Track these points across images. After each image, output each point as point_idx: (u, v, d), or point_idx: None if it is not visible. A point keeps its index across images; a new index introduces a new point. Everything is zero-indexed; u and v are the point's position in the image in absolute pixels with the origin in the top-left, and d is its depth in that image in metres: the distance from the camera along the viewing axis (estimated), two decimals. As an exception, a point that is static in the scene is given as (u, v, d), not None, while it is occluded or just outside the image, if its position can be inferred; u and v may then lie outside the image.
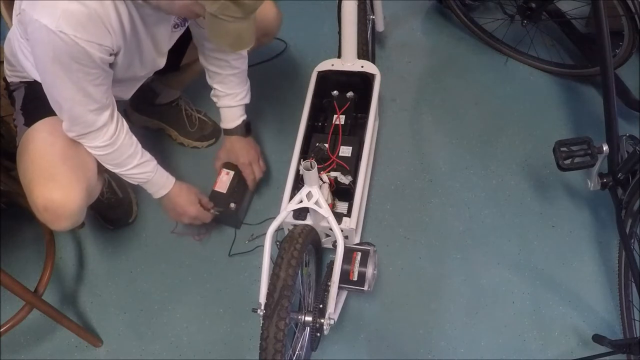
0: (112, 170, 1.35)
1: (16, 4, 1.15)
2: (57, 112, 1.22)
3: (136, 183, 1.41)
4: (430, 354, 1.47)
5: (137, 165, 1.35)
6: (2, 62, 1.36)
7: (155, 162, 1.41)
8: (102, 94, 1.19)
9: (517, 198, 1.71)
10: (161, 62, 1.35)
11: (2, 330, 1.33)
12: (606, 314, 1.50)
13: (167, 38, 1.31)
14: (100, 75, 1.15)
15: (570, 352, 1.45)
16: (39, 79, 1.27)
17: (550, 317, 1.50)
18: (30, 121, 1.27)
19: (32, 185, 1.20)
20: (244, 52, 1.48)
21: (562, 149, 1.42)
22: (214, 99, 1.56)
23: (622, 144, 1.43)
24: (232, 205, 1.58)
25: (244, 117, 1.58)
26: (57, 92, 1.16)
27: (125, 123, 1.31)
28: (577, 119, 1.86)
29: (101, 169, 1.34)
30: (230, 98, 1.53)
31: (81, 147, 1.28)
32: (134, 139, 1.34)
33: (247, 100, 1.57)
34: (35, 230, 1.63)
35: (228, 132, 1.59)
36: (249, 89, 1.56)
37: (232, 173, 1.61)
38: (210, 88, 1.54)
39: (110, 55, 1.14)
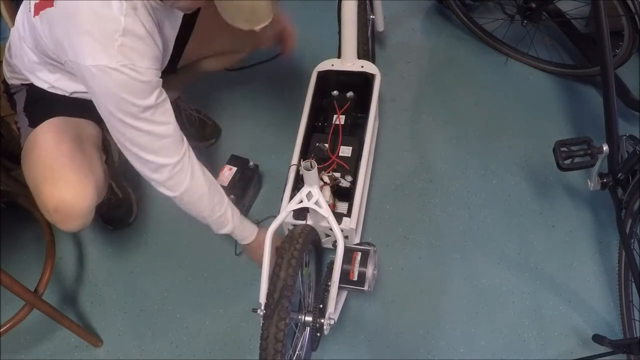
0: (214, 218, 1.34)
1: (24, 4, 1.13)
2: (143, 163, 1.19)
3: (229, 227, 1.38)
4: (430, 354, 1.47)
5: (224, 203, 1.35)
6: (1, 61, 1.35)
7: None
8: (172, 118, 1.21)
9: (517, 198, 1.71)
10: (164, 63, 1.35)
11: (2, 330, 1.33)
12: (606, 314, 1.50)
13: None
14: (162, 94, 1.15)
15: (570, 352, 1.45)
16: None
17: (550, 317, 1.50)
18: (34, 122, 1.25)
19: (42, 185, 1.17)
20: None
21: (562, 149, 1.42)
22: None
23: (622, 144, 1.43)
24: (232, 197, 1.58)
25: None
26: (134, 137, 1.14)
27: None
28: (577, 119, 1.86)
29: (106, 172, 1.32)
30: None
31: (88, 146, 1.26)
32: None
33: None
34: (35, 230, 1.63)
35: None
36: None
37: (234, 169, 1.65)
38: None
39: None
